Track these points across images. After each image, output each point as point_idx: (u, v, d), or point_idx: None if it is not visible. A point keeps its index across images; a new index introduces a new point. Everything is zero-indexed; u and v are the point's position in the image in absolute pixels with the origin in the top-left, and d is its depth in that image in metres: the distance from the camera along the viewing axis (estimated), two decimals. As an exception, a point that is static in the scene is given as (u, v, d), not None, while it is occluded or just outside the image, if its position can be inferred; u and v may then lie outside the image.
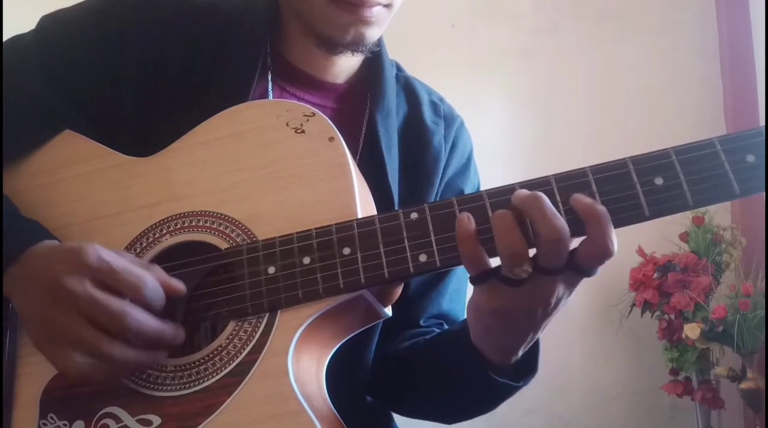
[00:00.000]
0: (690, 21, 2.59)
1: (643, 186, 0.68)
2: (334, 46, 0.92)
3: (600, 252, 0.67)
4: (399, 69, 1.08)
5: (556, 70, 2.58)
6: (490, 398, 0.88)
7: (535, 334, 0.77)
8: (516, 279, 0.69)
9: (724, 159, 0.68)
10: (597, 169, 0.70)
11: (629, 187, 0.69)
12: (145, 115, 0.90)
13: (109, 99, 0.90)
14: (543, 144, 2.49)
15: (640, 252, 2.26)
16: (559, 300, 0.72)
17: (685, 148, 0.69)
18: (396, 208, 0.93)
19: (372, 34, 0.91)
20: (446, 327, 1.02)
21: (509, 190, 0.71)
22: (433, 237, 0.72)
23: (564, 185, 0.70)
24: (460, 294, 1.05)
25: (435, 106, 1.06)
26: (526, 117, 2.56)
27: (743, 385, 2.12)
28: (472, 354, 0.80)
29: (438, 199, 1.02)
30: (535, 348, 0.81)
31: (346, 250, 0.74)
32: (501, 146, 2.46)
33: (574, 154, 2.30)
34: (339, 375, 0.85)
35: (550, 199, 0.68)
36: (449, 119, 1.07)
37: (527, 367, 0.83)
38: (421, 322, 1.00)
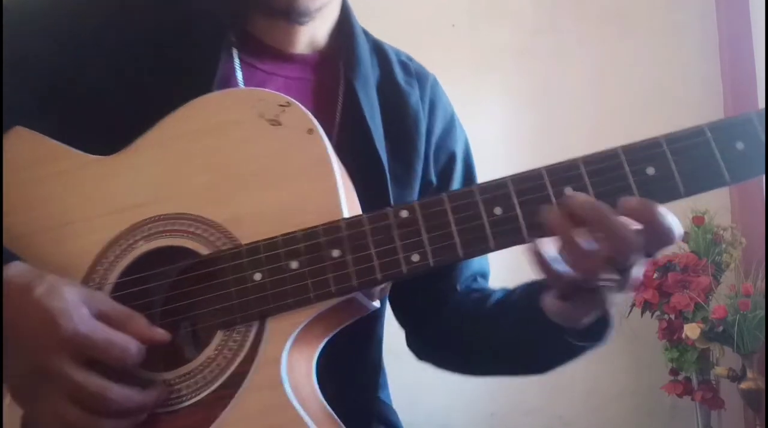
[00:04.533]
0: (690, 21, 2.59)
1: (634, 175, 0.68)
2: (301, 16, 0.89)
3: (667, 241, 0.67)
4: (366, 33, 1.03)
5: (556, 70, 2.58)
6: (560, 358, 0.88)
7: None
8: (598, 286, 0.69)
9: (714, 146, 0.68)
10: (588, 160, 0.70)
11: (621, 178, 0.69)
12: (111, 107, 0.85)
13: (73, 92, 0.86)
14: (543, 144, 2.49)
15: (640, 252, 2.25)
16: (633, 280, 0.71)
17: (676, 137, 0.69)
18: (387, 177, 0.92)
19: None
20: (479, 282, 1.03)
21: (501, 184, 0.70)
22: (424, 236, 0.70)
23: (556, 178, 0.69)
24: None
25: (405, 66, 1.03)
26: (526, 117, 2.56)
27: (743, 385, 2.12)
28: (546, 323, 0.79)
29: (430, 163, 1.00)
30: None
31: (336, 253, 0.71)
32: (501, 146, 2.46)
33: (574, 153, 2.29)
34: (345, 374, 0.85)
35: (542, 192, 0.68)
36: (422, 77, 1.04)
37: (595, 330, 0.81)
38: (458, 287, 1.00)
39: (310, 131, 0.76)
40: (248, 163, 0.76)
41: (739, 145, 0.68)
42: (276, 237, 0.72)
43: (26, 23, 0.89)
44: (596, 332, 0.81)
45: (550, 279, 0.71)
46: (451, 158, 1.04)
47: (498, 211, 0.70)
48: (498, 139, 2.50)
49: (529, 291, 0.86)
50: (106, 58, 0.87)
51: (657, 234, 0.67)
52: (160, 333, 0.71)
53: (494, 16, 2.61)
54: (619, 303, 0.75)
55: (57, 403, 0.67)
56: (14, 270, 0.70)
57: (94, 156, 0.80)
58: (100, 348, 0.67)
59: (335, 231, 0.72)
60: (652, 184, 0.68)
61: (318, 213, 0.73)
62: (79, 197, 0.78)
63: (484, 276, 1.06)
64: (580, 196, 0.67)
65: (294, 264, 0.71)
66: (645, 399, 2.42)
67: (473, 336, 0.97)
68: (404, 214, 0.71)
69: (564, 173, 0.69)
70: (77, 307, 0.68)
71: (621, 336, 2.52)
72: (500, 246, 0.70)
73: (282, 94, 0.79)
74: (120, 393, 0.68)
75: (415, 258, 0.70)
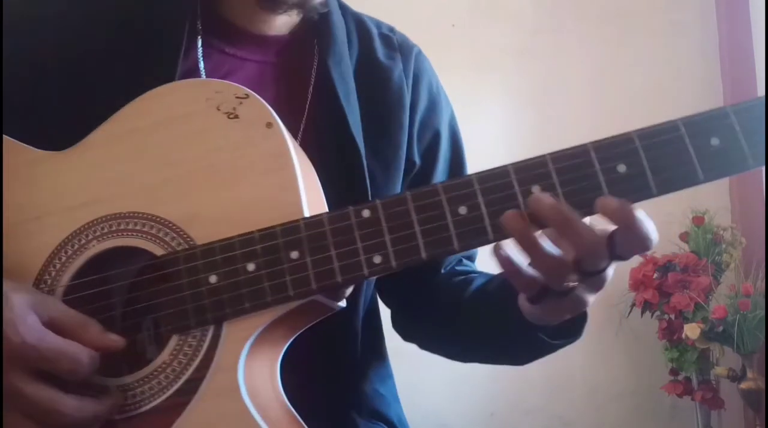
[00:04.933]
0: (690, 21, 2.59)
1: (605, 173, 0.65)
2: (276, 6, 0.87)
3: (642, 248, 0.65)
4: (343, 7, 1.00)
5: (556, 70, 2.58)
6: (535, 353, 0.86)
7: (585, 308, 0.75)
8: (567, 289, 0.68)
9: (688, 143, 0.64)
10: (557, 157, 0.66)
11: (591, 176, 0.65)
12: (72, 99, 0.82)
13: (29, 83, 0.84)
14: (543, 144, 2.46)
15: (640, 252, 2.25)
16: (604, 280, 0.70)
17: (648, 132, 0.65)
18: (363, 161, 0.88)
19: None
20: (464, 263, 1.01)
21: (466, 182, 0.67)
22: (387, 237, 0.67)
23: (524, 176, 0.66)
24: None
25: (387, 39, 1.00)
26: (526, 117, 2.55)
27: (743, 385, 2.12)
28: (520, 318, 0.77)
29: (414, 141, 0.97)
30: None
31: (294, 254, 0.68)
32: (501, 146, 2.46)
33: (574, 154, 2.29)
34: (326, 348, 0.84)
35: (509, 191, 0.66)
36: (405, 50, 1.00)
37: (570, 326, 0.79)
38: (443, 270, 0.99)
39: (269, 125, 0.72)
40: (204, 158, 0.72)
41: (714, 141, 0.64)
42: (233, 237, 0.69)
43: None
44: (572, 328, 0.79)
45: (517, 282, 0.69)
46: (436, 136, 1.00)
47: (463, 210, 0.66)
48: (498, 139, 2.50)
49: (504, 286, 0.82)
50: (66, 48, 0.85)
51: (633, 239, 0.64)
52: (115, 340, 0.69)
53: (494, 16, 2.60)
54: (592, 303, 0.73)
55: (14, 418, 0.65)
56: None
57: (46, 151, 0.77)
58: (49, 359, 0.64)
59: (294, 231, 0.68)
60: (623, 183, 0.65)
61: (277, 211, 0.69)
62: (29, 195, 0.75)
63: (470, 257, 1.04)
64: (545, 199, 0.64)
65: (251, 267, 0.68)
66: (645, 399, 2.42)
67: (453, 322, 0.94)
68: (366, 213, 0.68)
69: (531, 171, 0.66)
70: (25, 316, 0.65)
71: (621, 336, 2.54)
72: (465, 247, 0.67)
73: (240, 86, 0.75)
74: (71, 405, 0.65)
75: (377, 259, 0.67)
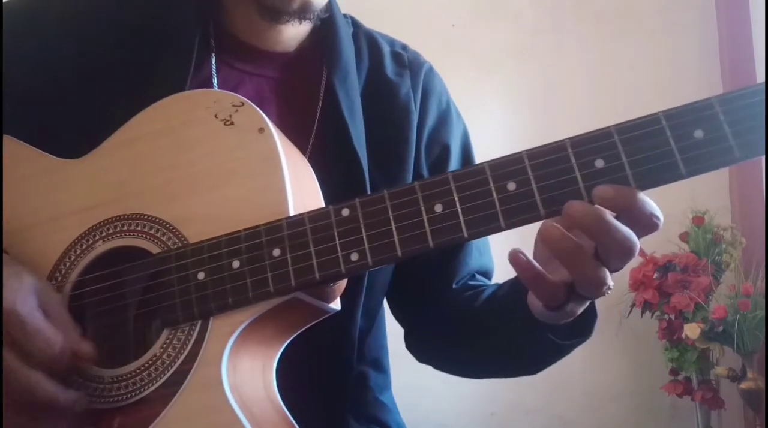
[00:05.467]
0: (690, 21, 2.59)
1: (581, 169, 0.64)
2: (279, 15, 0.89)
3: (651, 227, 0.64)
4: (356, 25, 1.03)
5: (556, 70, 2.58)
6: (546, 357, 0.87)
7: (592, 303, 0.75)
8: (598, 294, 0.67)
9: (669, 135, 0.62)
10: (533, 154, 0.66)
11: (567, 171, 0.65)
12: (88, 111, 0.87)
13: (48, 97, 0.88)
14: (542, 143, 2.49)
15: (640, 252, 2.25)
16: None
17: (627, 126, 0.64)
18: (365, 175, 0.90)
19: (319, 0, 0.88)
20: (478, 279, 1.01)
21: (442, 180, 0.67)
22: (364, 235, 0.69)
23: (499, 173, 0.66)
24: (485, 246, 1.03)
25: (397, 56, 1.02)
26: (525, 117, 2.56)
27: (743, 385, 2.12)
28: (530, 320, 0.77)
29: (422, 156, 0.98)
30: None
31: (276, 252, 0.71)
32: (501, 146, 2.46)
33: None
34: (323, 353, 0.85)
35: (485, 187, 0.66)
36: (415, 67, 1.02)
37: (582, 325, 0.79)
38: (454, 285, 0.99)
39: (261, 130, 0.76)
40: (200, 162, 0.77)
41: (698, 134, 0.62)
42: (221, 236, 0.73)
43: (8, 32, 0.90)
44: (582, 326, 0.79)
45: (538, 289, 0.68)
46: (445, 150, 1.01)
47: (438, 208, 0.67)
48: (498, 139, 2.50)
49: (514, 287, 0.83)
50: (83, 61, 0.88)
51: (639, 222, 0.63)
52: (86, 347, 0.71)
53: (494, 16, 2.61)
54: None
55: None
56: None
57: (62, 159, 0.83)
58: (27, 332, 0.68)
59: (277, 230, 0.71)
60: (601, 178, 0.64)
61: (265, 211, 0.73)
62: (45, 199, 0.81)
63: (486, 273, 1.03)
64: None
65: (235, 264, 0.72)
66: (645, 399, 2.42)
67: (463, 333, 0.95)
68: (345, 212, 0.70)
69: (507, 168, 0.66)
70: (27, 293, 0.70)
71: (621, 336, 2.53)
72: (439, 245, 0.67)
73: (237, 95, 0.79)
74: (33, 375, 0.68)
75: (354, 257, 0.69)
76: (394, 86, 0.98)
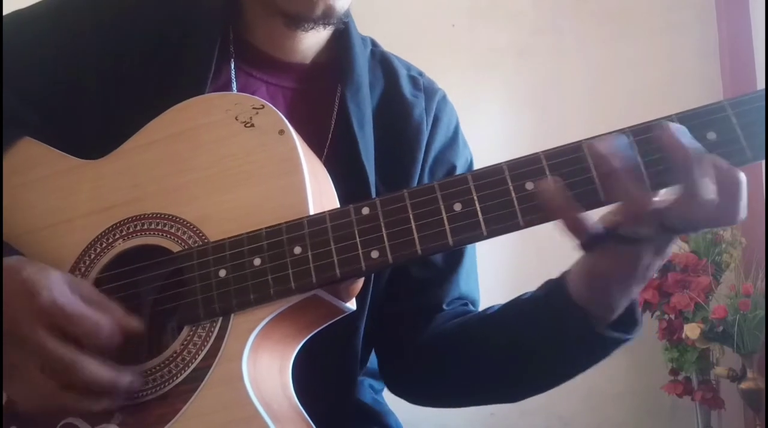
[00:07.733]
0: (690, 21, 2.59)
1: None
2: (303, 22, 0.90)
3: (732, 219, 0.67)
4: (374, 45, 1.05)
5: (556, 70, 2.58)
6: (592, 357, 0.87)
7: (642, 286, 0.75)
8: (637, 238, 0.66)
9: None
10: (550, 154, 0.68)
11: (584, 170, 0.67)
12: (110, 115, 0.88)
13: (71, 101, 0.89)
14: (542, 144, 2.48)
15: (640, 252, 2.25)
16: (669, 250, 0.71)
17: (641, 128, 0.66)
18: (372, 186, 0.92)
19: (342, 4, 0.89)
20: (470, 307, 1.00)
21: (462, 180, 0.69)
22: (384, 232, 0.70)
23: (516, 173, 0.68)
24: (472, 273, 1.03)
25: (414, 80, 1.04)
26: (525, 117, 2.56)
27: (743, 385, 2.12)
28: (573, 314, 0.77)
29: (428, 174, 1.00)
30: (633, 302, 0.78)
31: (297, 250, 0.72)
32: (500, 146, 2.46)
33: (574, 153, 2.30)
34: (326, 364, 0.86)
35: (503, 186, 0.67)
36: (429, 92, 1.04)
37: (627, 321, 0.79)
38: (445, 306, 0.99)
39: (281, 132, 0.77)
40: (221, 163, 0.78)
41: (711, 136, 0.65)
42: (242, 234, 0.74)
43: (30, 37, 0.92)
44: (625, 324, 0.79)
45: (571, 221, 0.67)
46: (451, 170, 1.03)
47: (457, 206, 0.69)
48: (498, 139, 2.50)
49: (547, 290, 0.83)
50: (106, 66, 0.90)
51: (729, 206, 0.65)
52: (134, 323, 0.73)
53: (494, 16, 2.61)
54: (647, 276, 0.72)
55: (31, 373, 0.69)
56: (13, 259, 0.74)
57: (83, 160, 0.84)
58: (73, 320, 0.69)
59: (298, 228, 0.73)
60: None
61: (284, 210, 0.74)
62: (65, 199, 0.82)
63: (474, 303, 1.03)
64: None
65: (257, 261, 0.73)
66: (645, 399, 2.42)
67: (456, 356, 0.94)
68: (365, 210, 0.71)
69: (525, 167, 0.68)
70: (61, 284, 0.71)
71: (621, 336, 2.51)
72: (459, 242, 0.69)
73: (257, 98, 0.81)
74: (91, 366, 0.69)
75: (375, 254, 0.70)
76: (409, 105, 1.00)
